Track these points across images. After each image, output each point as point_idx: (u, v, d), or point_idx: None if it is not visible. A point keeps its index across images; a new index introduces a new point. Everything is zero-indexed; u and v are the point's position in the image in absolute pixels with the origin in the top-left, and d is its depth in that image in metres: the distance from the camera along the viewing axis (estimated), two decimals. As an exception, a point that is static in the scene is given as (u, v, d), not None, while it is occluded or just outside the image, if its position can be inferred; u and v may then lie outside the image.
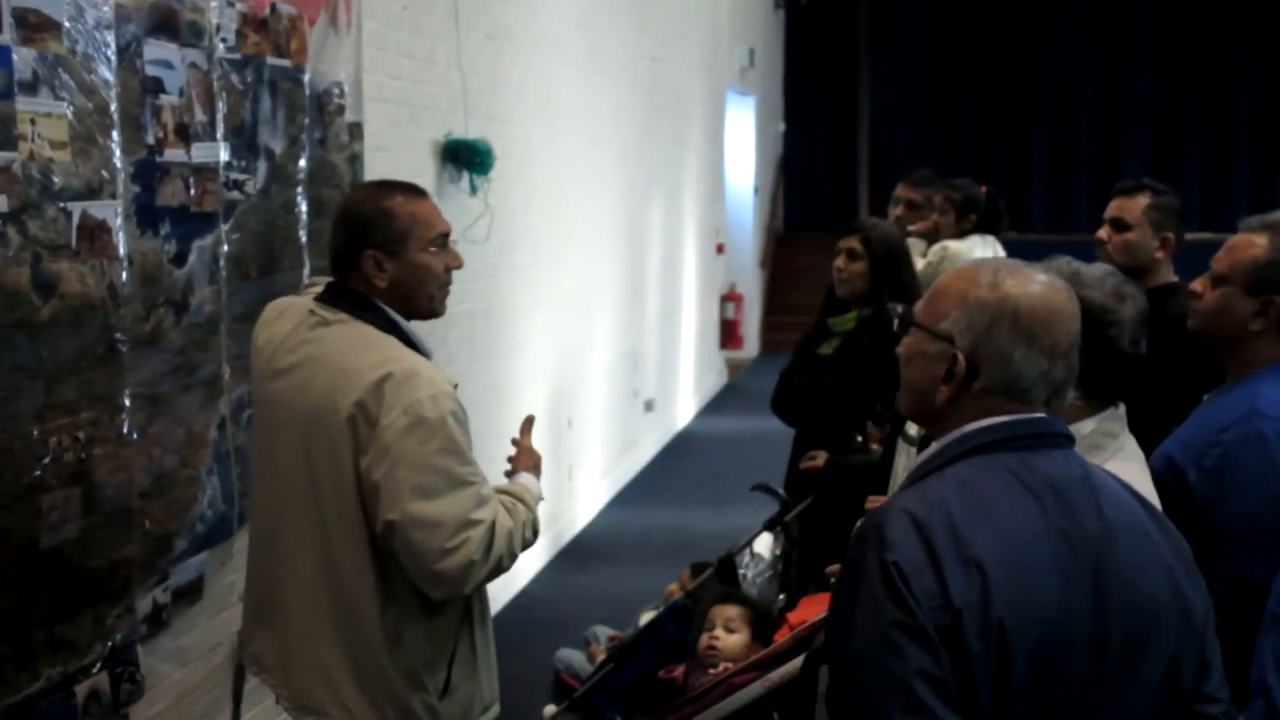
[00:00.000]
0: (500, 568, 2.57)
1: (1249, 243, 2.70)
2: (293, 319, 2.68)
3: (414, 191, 2.67)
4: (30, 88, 2.74)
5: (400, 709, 2.58)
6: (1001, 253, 5.33)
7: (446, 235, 2.68)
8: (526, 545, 2.69)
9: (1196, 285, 2.81)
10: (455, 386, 2.60)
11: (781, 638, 3.33)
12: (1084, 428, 2.26)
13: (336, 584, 2.57)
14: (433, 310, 2.71)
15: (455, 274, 2.74)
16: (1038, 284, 1.78)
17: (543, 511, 7.01)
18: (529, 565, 6.56)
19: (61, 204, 2.84)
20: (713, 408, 11.97)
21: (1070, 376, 1.80)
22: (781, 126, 17.05)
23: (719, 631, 3.61)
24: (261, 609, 2.72)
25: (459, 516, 2.48)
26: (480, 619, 2.73)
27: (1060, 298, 1.79)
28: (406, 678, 2.57)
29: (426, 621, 2.59)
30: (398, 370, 2.50)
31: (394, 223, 2.60)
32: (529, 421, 2.96)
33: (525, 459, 2.87)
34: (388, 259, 2.60)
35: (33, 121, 2.75)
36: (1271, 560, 2.42)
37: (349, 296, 2.62)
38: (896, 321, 1.93)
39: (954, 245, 5.20)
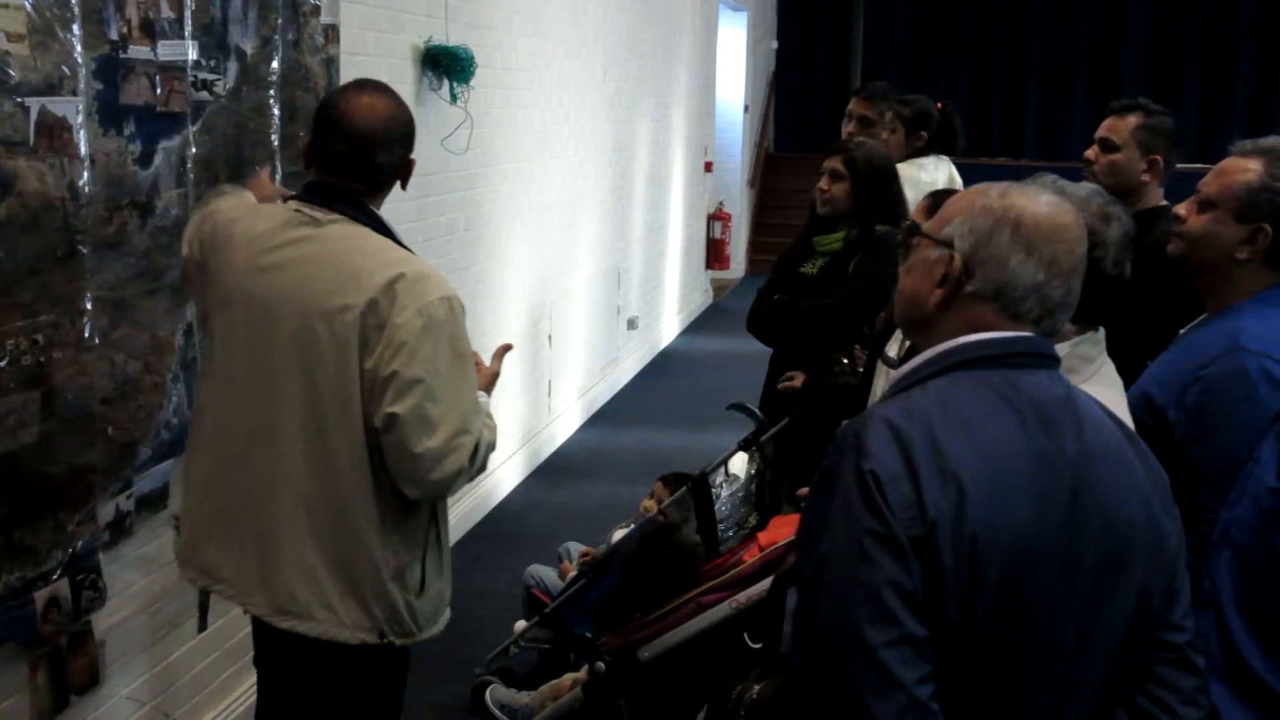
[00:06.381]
0: (473, 477, 2.63)
1: (1241, 167, 2.59)
2: (271, 217, 2.67)
3: None
4: (-15, -24, 2.64)
5: (386, 606, 2.61)
6: (956, 174, 5.08)
7: None
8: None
9: (1181, 209, 2.70)
10: None
11: (751, 558, 3.31)
12: (1059, 350, 2.21)
13: (329, 479, 2.56)
14: None
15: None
16: (1046, 201, 1.78)
17: (521, 427, 7.02)
18: (504, 480, 6.54)
19: (18, 99, 2.75)
20: (696, 327, 11.93)
21: (1068, 302, 1.77)
22: (774, 44, 16.83)
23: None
24: (221, 516, 2.67)
25: (457, 421, 2.52)
26: (443, 518, 2.76)
27: (1067, 217, 1.78)
28: (393, 574, 2.60)
29: (407, 519, 2.62)
30: (409, 271, 2.54)
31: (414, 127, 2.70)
32: (505, 349, 3.00)
33: (483, 379, 2.88)
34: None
35: (-12, 12, 2.65)
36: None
37: (342, 197, 2.62)
38: (900, 234, 1.91)
39: (900, 167, 4.64)
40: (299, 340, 2.55)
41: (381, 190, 2.67)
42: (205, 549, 2.71)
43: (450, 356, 2.53)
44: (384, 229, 2.63)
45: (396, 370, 2.48)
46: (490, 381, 2.87)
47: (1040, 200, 1.77)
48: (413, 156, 2.69)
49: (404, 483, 2.55)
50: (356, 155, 2.60)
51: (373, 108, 2.63)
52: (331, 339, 2.52)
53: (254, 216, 2.70)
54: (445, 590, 2.76)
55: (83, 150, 2.96)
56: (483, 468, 2.65)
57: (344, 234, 2.58)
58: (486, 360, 2.93)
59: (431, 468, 2.51)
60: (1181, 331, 2.73)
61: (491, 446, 2.67)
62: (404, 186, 2.73)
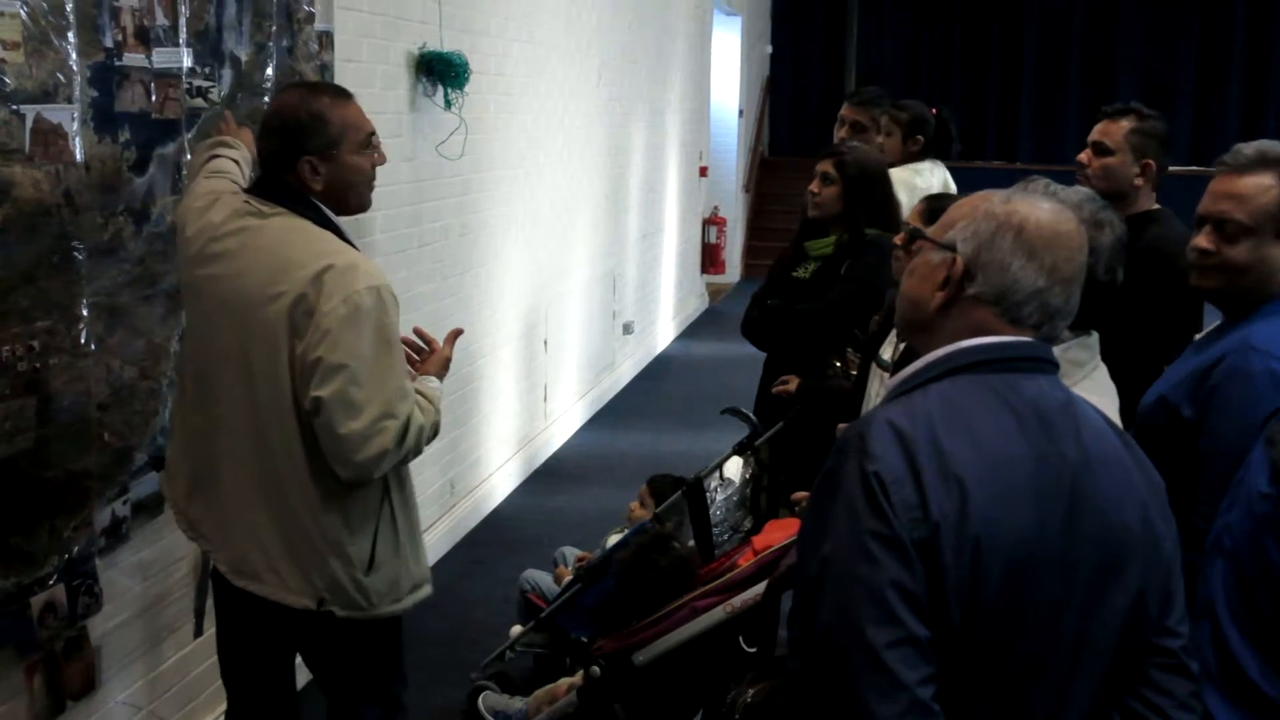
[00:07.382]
0: (406, 459, 2.74)
1: (1261, 186, 2.50)
2: (225, 208, 2.78)
3: (341, 94, 2.81)
4: (-20, -15, 2.65)
5: (326, 578, 2.74)
6: (949, 179, 5.10)
7: (372, 134, 2.82)
8: (428, 443, 2.81)
9: (1203, 242, 2.57)
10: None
11: (746, 562, 3.32)
12: (1050, 354, 2.22)
13: (266, 457, 2.72)
14: (361, 206, 2.88)
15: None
16: (1048, 209, 1.80)
17: (516, 432, 7.02)
18: (500, 485, 6.54)
19: (14, 106, 2.76)
20: (692, 332, 11.94)
21: (1067, 308, 1.79)
22: (768, 48, 16.85)
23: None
24: (198, 477, 2.84)
25: (382, 405, 2.63)
26: (401, 500, 2.84)
27: (1069, 224, 1.80)
28: (330, 548, 2.73)
29: (348, 499, 2.74)
30: (339, 262, 2.64)
31: (328, 128, 2.72)
32: (456, 334, 3.10)
33: (435, 364, 2.97)
34: (322, 163, 2.73)
35: (-17, 20, 2.66)
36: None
37: (284, 191, 2.74)
38: (903, 239, 1.93)
39: (895, 172, 4.63)
40: (238, 326, 2.69)
41: (309, 182, 2.72)
42: (190, 506, 2.89)
43: (375, 343, 2.62)
44: (325, 221, 2.74)
45: (321, 356, 2.59)
46: (442, 366, 2.96)
47: (1043, 207, 1.79)
48: (308, 157, 2.69)
49: (334, 463, 2.67)
50: (273, 151, 2.74)
51: (287, 104, 2.75)
52: (265, 326, 2.65)
53: (212, 207, 2.81)
54: (410, 570, 2.85)
55: (78, 157, 2.97)
56: (418, 451, 2.74)
57: (283, 226, 2.71)
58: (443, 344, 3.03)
59: (355, 449, 2.62)
60: (1196, 337, 2.71)
61: (435, 429, 2.77)
62: (318, 187, 2.72)
